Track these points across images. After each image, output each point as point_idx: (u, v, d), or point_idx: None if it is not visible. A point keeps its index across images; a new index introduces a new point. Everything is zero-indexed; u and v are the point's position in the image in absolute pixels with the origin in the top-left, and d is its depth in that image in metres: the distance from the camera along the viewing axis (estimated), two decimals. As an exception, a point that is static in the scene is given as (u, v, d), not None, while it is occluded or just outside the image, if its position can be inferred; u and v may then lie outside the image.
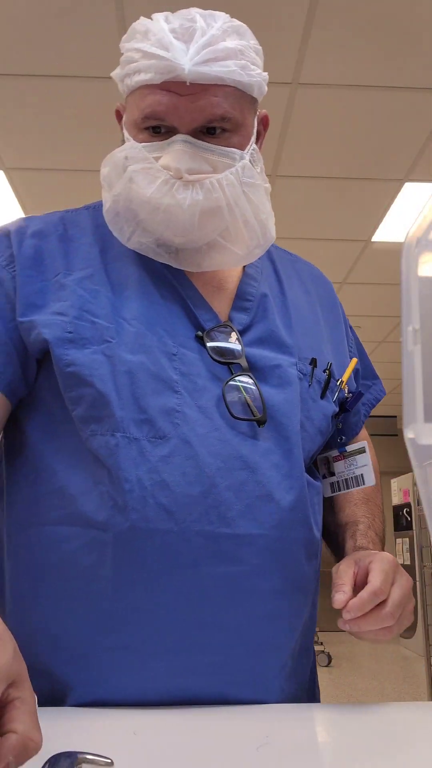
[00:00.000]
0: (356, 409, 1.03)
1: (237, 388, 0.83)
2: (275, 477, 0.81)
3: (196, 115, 0.80)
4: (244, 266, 0.94)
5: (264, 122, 0.92)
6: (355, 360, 1.01)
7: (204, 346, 0.84)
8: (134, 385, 0.79)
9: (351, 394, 0.97)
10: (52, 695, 0.77)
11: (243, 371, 0.84)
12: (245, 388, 0.83)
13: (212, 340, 0.85)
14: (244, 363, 0.84)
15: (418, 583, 6.80)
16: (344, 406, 0.97)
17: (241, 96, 0.83)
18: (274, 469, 0.81)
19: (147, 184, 0.82)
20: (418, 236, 0.58)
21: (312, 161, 3.50)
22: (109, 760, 0.53)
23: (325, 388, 0.92)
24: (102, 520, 0.76)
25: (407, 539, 7.21)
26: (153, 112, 0.81)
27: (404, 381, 0.57)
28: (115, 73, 0.87)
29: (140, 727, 0.68)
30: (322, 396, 0.92)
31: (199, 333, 0.85)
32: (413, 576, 7.16)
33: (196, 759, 0.59)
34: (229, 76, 0.80)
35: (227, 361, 0.84)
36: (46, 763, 0.52)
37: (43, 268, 0.86)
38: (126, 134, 0.86)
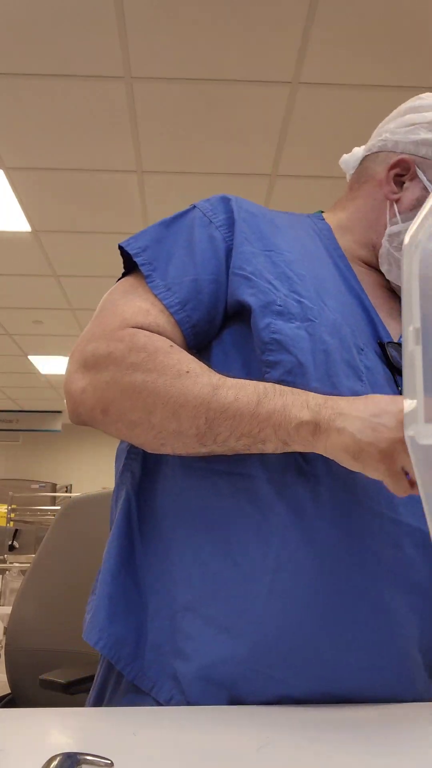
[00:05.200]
0: None
1: None
2: None
3: None
4: None
5: None
6: None
7: (385, 353, 0.90)
8: (329, 364, 0.85)
9: None
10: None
11: None
12: None
13: (390, 352, 0.91)
14: None
15: (418, 582, 6.79)
16: None
17: None
18: None
19: None
20: (419, 236, 0.58)
21: (312, 161, 3.50)
22: (109, 761, 0.53)
23: None
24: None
25: (407, 539, 7.20)
26: None
27: (404, 381, 0.57)
28: (424, 138, 1.03)
29: (140, 727, 0.68)
30: None
31: (381, 341, 0.91)
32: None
33: (196, 759, 0.59)
34: None
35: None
36: (46, 763, 0.52)
37: (257, 238, 0.94)
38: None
